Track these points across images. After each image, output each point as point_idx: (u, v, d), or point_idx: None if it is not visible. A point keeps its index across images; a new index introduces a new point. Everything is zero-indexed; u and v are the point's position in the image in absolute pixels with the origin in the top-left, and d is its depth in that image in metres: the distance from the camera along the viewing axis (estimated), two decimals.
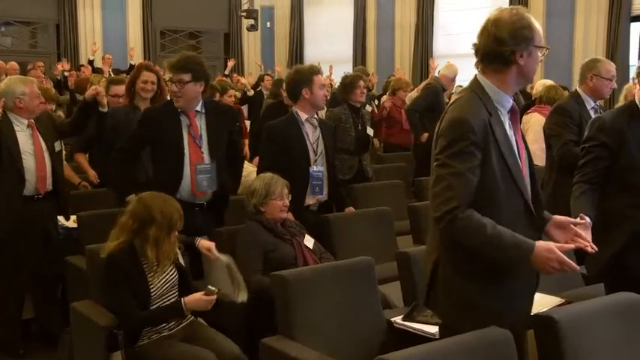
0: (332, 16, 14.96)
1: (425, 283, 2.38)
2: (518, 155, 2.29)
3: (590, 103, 4.18)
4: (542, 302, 2.84)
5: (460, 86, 8.50)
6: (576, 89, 4.27)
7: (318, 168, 4.12)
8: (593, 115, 4.12)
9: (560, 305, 2.97)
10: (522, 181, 2.27)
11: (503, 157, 2.22)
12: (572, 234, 2.31)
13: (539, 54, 2.27)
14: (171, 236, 3.09)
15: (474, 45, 2.31)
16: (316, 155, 4.15)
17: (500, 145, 2.21)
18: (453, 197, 2.13)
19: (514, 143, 2.30)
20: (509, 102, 2.31)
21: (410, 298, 3.29)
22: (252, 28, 11.28)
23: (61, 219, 4.39)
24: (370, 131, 5.62)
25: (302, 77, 4.14)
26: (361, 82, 5.51)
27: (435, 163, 2.22)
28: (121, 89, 5.01)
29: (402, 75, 9.72)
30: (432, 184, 2.21)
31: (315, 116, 4.26)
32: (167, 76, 4.17)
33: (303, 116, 4.16)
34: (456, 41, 12.49)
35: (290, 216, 3.84)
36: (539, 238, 2.23)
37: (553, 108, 4.37)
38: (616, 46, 10.05)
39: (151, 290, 3.06)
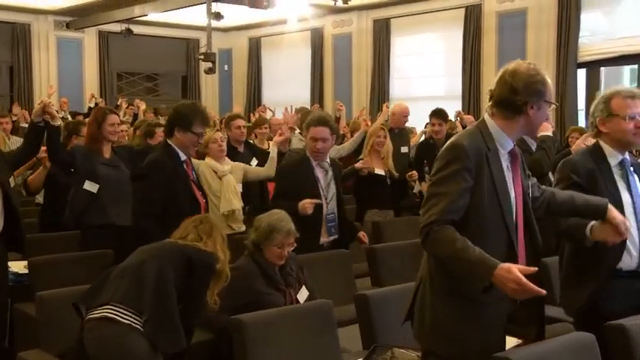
0: (289, 59, 15.13)
1: (409, 302, 2.49)
2: (515, 198, 2.38)
3: (532, 143, 4.53)
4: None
5: (413, 127, 8.65)
6: None
7: (330, 211, 4.25)
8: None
9: (518, 346, 2.98)
10: (511, 219, 2.35)
11: (496, 190, 2.32)
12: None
13: (548, 109, 2.43)
14: None
15: (490, 90, 2.44)
16: (327, 200, 4.25)
17: (495, 178, 2.32)
18: (433, 214, 2.24)
19: (510, 184, 2.38)
20: (510, 144, 2.41)
21: (369, 340, 3.26)
22: (209, 71, 11.30)
23: (11, 264, 4.25)
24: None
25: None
26: None
27: (428, 184, 2.36)
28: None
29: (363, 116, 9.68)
30: (422, 204, 2.33)
31: (327, 159, 4.35)
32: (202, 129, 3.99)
33: (314, 161, 4.25)
34: (412, 84, 12.74)
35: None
36: None
37: None
38: (565, 91, 10.38)
39: None
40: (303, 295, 3.59)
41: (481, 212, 2.29)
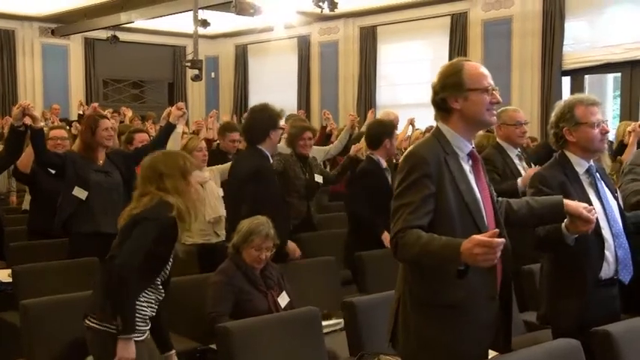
0: (276, 66, 15.13)
1: (390, 322, 2.44)
2: (482, 201, 2.36)
3: (512, 151, 4.39)
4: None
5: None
6: (496, 139, 4.45)
7: None
8: (517, 162, 4.32)
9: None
10: (482, 221, 2.33)
11: (461, 193, 2.30)
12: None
13: (485, 95, 2.35)
14: (188, 183, 2.84)
15: None
16: None
17: (457, 182, 2.31)
18: (398, 224, 2.24)
19: (474, 185, 2.37)
20: (468, 147, 2.40)
21: (356, 348, 3.26)
22: (196, 78, 11.28)
23: None
24: (319, 178, 5.63)
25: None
26: (307, 134, 5.44)
27: (393, 199, 2.32)
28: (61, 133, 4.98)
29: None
30: (391, 218, 2.30)
31: None
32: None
33: None
34: (399, 92, 12.78)
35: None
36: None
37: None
38: (550, 98, 10.45)
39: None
40: (284, 299, 3.65)
41: (450, 217, 2.28)
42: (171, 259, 2.85)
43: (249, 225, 3.67)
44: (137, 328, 2.69)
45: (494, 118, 2.42)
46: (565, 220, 2.65)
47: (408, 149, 2.41)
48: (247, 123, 4.42)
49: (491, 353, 2.47)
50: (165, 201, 2.75)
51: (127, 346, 2.62)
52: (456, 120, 2.37)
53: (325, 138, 7.98)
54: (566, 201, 2.62)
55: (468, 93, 2.34)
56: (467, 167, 2.39)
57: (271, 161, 4.33)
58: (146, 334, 2.82)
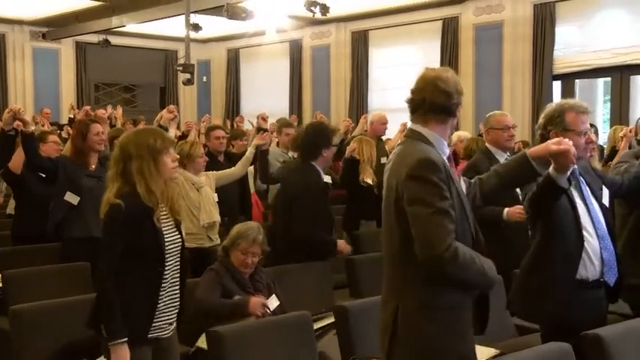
0: (268, 70, 15.15)
1: (386, 336, 2.38)
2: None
3: (501, 155, 4.36)
4: (478, 353, 2.85)
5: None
6: (485, 144, 4.46)
7: None
8: None
9: (495, 357, 3.00)
10: (472, 217, 2.40)
11: (460, 194, 2.35)
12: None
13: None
14: (158, 163, 2.68)
15: (412, 100, 2.45)
16: None
17: (456, 183, 2.36)
18: (445, 235, 2.20)
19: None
20: (447, 149, 2.46)
21: (347, 352, 3.25)
22: (188, 82, 11.27)
23: None
24: (327, 178, 5.63)
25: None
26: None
27: (412, 205, 2.25)
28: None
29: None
30: (414, 224, 2.24)
31: None
32: None
33: None
34: (390, 96, 12.80)
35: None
36: None
37: (465, 167, 4.51)
38: (540, 102, 10.49)
39: (167, 247, 2.67)
40: (273, 302, 3.66)
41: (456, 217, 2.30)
42: (167, 251, 2.69)
43: (238, 229, 3.75)
44: (139, 329, 2.61)
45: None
46: (550, 168, 2.64)
47: (418, 155, 2.30)
48: (303, 139, 4.65)
49: (479, 348, 2.49)
50: (120, 193, 2.63)
51: (117, 352, 2.57)
52: (451, 125, 2.44)
53: None
54: (529, 150, 2.61)
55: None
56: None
57: (322, 176, 4.57)
58: (159, 333, 2.70)
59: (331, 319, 3.68)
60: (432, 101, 2.40)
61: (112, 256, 2.61)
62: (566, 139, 2.59)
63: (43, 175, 4.64)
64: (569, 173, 2.72)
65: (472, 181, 2.63)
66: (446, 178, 2.28)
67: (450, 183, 2.30)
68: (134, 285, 2.64)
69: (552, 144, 2.55)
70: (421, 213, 2.23)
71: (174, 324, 2.78)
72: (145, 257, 2.65)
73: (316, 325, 3.68)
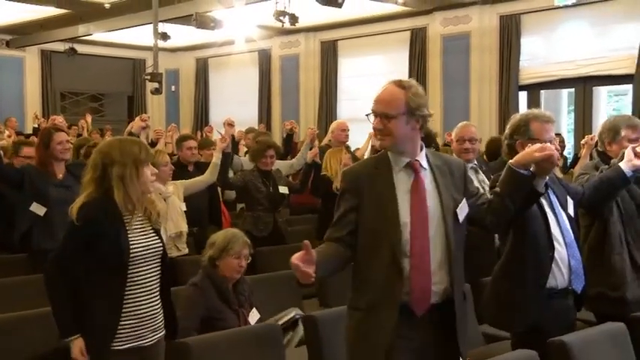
0: (237, 79, 15.11)
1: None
2: (412, 214, 2.40)
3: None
4: None
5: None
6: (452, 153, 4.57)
7: None
8: (472, 175, 4.38)
9: None
10: (396, 236, 2.37)
11: (382, 208, 2.43)
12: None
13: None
14: (140, 173, 2.70)
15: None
16: None
17: (380, 195, 2.43)
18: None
19: (405, 200, 2.41)
20: (404, 160, 2.46)
21: None
22: (156, 91, 11.20)
23: None
24: (284, 189, 5.65)
25: None
26: (269, 152, 5.52)
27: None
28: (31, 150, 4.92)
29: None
30: None
31: None
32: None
33: None
34: (359, 105, 12.79)
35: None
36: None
37: None
38: (507, 112, 10.65)
39: (132, 249, 2.66)
40: (254, 316, 3.59)
41: (365, 230, 2.42)
42: (141, 257, 2.68)
43: (224, 236, 3.63)
44: (102, 339, 2.61)
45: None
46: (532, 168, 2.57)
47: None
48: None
49: None
50: (90, 197, 2.66)
51: (75, 344, 2.60)
52: (419, 136, 2.52)
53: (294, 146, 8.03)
54: (512, 161, 2.57)
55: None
56: (403, 179, 2.43)
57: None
58: (142, 342, 2.68)
59: (296, 311, 3.80)
60: (411, 111, 2.47)
61: (65, 254, 2.63)
62: (547, 144, 2.58)
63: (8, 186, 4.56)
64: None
65: (477, 195, 2.62)
66: (356, 186, 2.47)
67: (363, 193, 2.44)
68: (96, 293, 2.62)
69: (535, 151, 2.51)
70: None
71: (160, 332, 2.76)
72: (106, 262, 2.63)
73: (281, 321, 3.74)
